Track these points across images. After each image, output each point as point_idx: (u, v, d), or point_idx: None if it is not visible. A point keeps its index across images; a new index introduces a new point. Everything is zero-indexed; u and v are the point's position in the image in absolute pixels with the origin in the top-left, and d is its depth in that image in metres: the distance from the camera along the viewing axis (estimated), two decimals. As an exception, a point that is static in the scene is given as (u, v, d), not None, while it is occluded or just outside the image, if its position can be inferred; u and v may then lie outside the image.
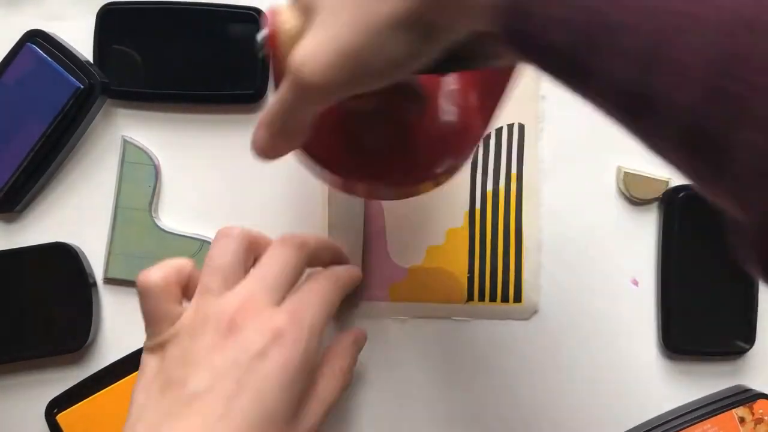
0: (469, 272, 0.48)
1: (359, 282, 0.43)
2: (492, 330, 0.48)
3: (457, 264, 0.48)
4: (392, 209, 0.47)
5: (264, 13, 0.46)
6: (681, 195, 0.47)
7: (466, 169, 0.48)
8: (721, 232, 0.48)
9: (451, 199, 0.48)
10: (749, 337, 0.47)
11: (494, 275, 0.48)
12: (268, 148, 0.32)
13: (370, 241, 0.47)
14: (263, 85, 0.47)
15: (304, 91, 0.28)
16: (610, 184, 0.48)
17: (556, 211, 0.48)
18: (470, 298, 0.48)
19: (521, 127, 0.48)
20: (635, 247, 0.48)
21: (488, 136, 0.48)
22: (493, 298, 0.48)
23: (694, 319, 0.47)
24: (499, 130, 0.48)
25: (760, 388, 0.47)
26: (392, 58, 0.26)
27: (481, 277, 0.48)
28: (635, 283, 0.48)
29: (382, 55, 0.26)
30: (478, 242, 0.48)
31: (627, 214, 0.48)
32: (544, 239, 0.48)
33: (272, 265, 0.36)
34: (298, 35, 0.29)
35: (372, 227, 0.48)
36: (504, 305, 0.48)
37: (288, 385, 0.32)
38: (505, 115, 0.48)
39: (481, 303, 0.48)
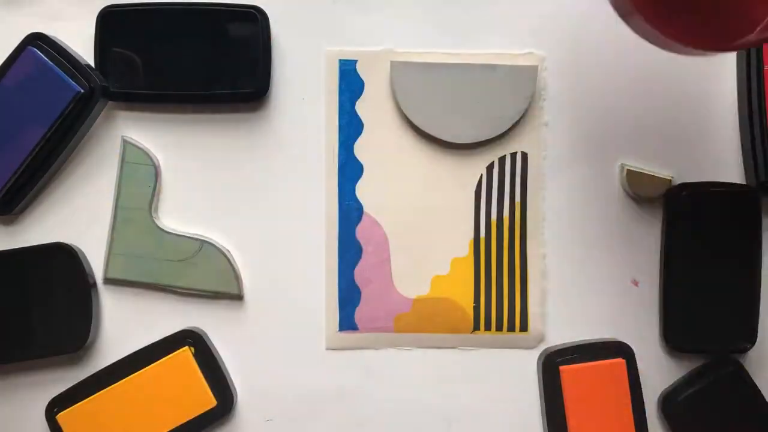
0: (475, 302, 0.48)
1: None
2: (498, 359, 0.48)
3: (463, 293, 0.48)
4: (397, 239, 0.47)
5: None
6: (684, 193, 0.46)
7: (470, 198, 0.48)
8: (725, 231, 0.47)
9: (456, 228, 0.48)
10: (751, 336, 0.47)
11: (500, 304, 0.48)
12: None
13: (375, 272, 0.47)
14: (263, 83, 0.47)
15: None
16: (612, 182, 0.48)
17: (558, 209, 0.48)
18: (476, 327, 0.48)
19: (524, 156, 0.48)
20: (638, 245, 0.48)
21: (492, 165, 0.48)
22: (499, 328, 0.48)
23: (697, 318, 0.47)
24: (502, 159, 0.48)
25: (762, 386, 0.46)
26: None
27: (486, 306, 0.48)
28: (635, 283, 0.48)
29: None
30: (483, 271, 0.48)
31: (630, 212, 0.48)
32: (547, 241, 0.48)
33: None
34: None
35: (377, 258, 0.47)
36: (510, 334, 0.48)
37: None
38: (509, 144, 0.48)
39: (487, 332, 0.48)
